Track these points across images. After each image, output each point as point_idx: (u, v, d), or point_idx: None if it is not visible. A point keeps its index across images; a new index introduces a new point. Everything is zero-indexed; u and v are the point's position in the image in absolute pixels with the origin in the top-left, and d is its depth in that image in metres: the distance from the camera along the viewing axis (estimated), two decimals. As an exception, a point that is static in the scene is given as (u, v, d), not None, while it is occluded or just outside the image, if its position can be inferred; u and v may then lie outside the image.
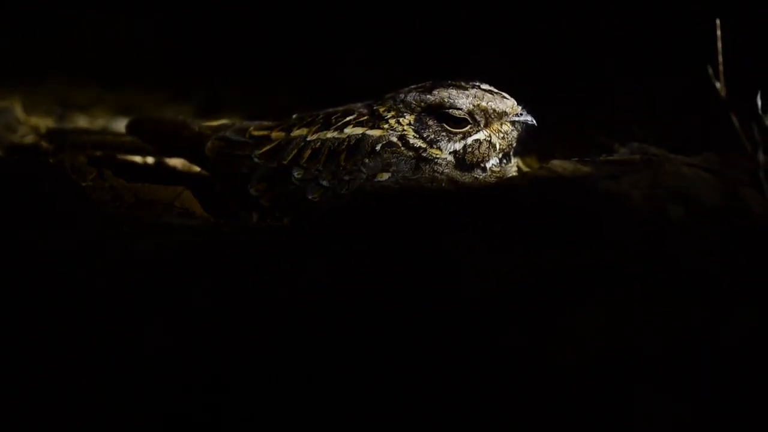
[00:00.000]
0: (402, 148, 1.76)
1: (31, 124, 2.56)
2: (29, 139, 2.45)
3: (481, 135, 1.76)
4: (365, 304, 1.11)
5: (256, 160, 1.85)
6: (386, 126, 1.78)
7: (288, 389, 1.03)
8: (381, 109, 1.81)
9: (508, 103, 1.76)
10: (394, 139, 1.76)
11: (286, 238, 1.38)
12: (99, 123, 2.66)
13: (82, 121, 2.67)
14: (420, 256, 1.18)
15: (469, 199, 1.46)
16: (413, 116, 1.77)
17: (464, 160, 1.76)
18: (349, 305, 1.11)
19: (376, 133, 1.77)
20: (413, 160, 1.75)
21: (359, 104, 1.87)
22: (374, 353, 1.05)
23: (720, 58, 1.48)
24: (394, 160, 1.75)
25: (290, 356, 1.06)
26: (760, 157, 1.39)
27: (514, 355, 1.02)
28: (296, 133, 1.85)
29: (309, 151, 1.80)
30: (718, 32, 1.50)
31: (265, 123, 1.97)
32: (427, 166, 1.74)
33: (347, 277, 1.16)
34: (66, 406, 1.04)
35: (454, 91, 1.76)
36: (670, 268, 1.15)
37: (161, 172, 2.23)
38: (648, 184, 1.39)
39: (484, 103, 1.74)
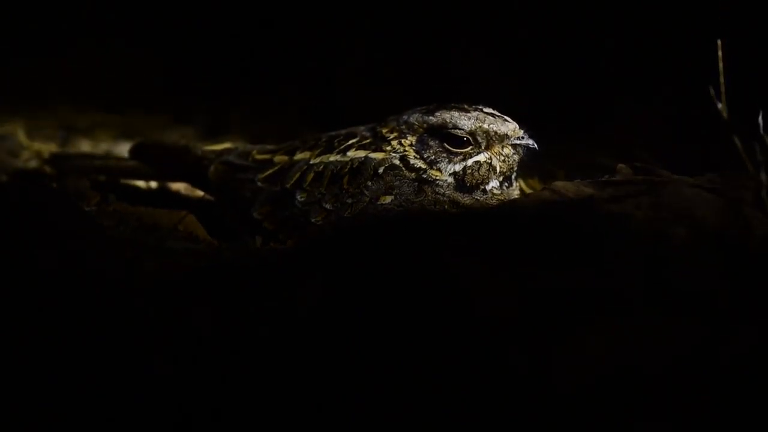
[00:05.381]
0: (404, 171, 1.76)
1: (34, 148, 2.57)
2: (32, 164, 2.46)
3: (481, 157, 1.76)
4: (364, 334, 1.11)
5: (259, 183, 1.85)
6: (389, 148, 1.78)
7: (286, 418, 1.03)
8: (384, 131, 1.82)
9: (510, 126, 1.76)
10: (397, 162, 1.77)
11: (285, 268, 1.38)
12: (102, 147, 2.67)
13: (84, 146, 2.67)
14: (423, 280, 1.18)
15: (473, 221, 1.46)
16: (415, 137, 1.78)
17: (464, 182, 1.76)
18: (347, 335, 1.11)
19: (378, 156, 1.78)
20: (415, 183, 1.75)
21: (362, 127, 1.88)
22: (375, 381, 1.05)
23: (722, 79, 1.48)
24: (396, 183, 1.75)
25: (287, 385, 1.06)
26: (763, 177, 1.39)
27: (516, 379, 1.02)
28: (299, 156, 1.85)
29: (312, 175, 1.80)
30: (720, 53, 1.50)
31: (268, 146, 1.97)
32: (429, 189, 1.75)
33: (347, 307, 1.16)
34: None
35: (456, 113, 1.76)
36: (670, 291, 1.15)
37: (164, 196, 2.24)
38: (650, 206, 1.39)
39: (486, 125, 1.74)
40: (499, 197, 1.77)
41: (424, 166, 1.76)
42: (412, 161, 1.76)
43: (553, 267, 1.21)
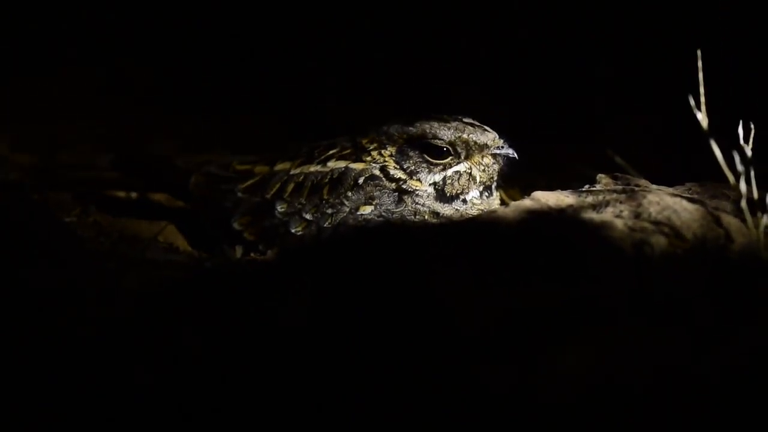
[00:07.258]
0: (384, 181, 1.76)
1: (16, 160, 2.55)
2: (14, 175, 2.44)
3: (461, 167, 1.76)
4: (345, 348, 1.11)
5: (239, 194, 1.85)
6: (368, 158, 1.78)
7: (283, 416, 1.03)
8: (364, 141, 1.81)
9: (489, 136, 1.76)
10: (377, 172, 1.77)
11: (265, 280, 1.38)
12: (84, 159, 2.66)
13: (67, 158, 2.66)
14: (404, 295, 1.18)
15: (453, 233, 1.46)
16: (395, 148, 1.78)
17: (444, 192, 1.76)
18: (328, 349, 1.11)
19: (359, 166, 1.78)
20: (396, 193, 1.75)
21: (342, 137, 1.87)
22: (370, 383, 1.05)
23: (701, 89, 1.48)
24: (376, 193, 1.75)
25: (269, 401, 1.05)
26: (742, 186, 1.39)
27: (504, 388, 1.01)
28: (279, 167, 1.85)
29: (292, 185, 1.80)
30: (699, 63, 1.50)
31: (249, 157, 1.97)
32: (409, 199, 1.75)
33: (328, 321, 1.16)
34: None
35: (435, 123, 1.76)
36: (652, 302, 1.15)
37: (145, 207, 2.23)
38: (631, 215, 1.39)
39: (465, 135, 1.74)
40: (480, 207, 1.77)
41: (404, 177, 1.76)
42: (392, 171, 1.76)
43: (535, 281, 1.21)
